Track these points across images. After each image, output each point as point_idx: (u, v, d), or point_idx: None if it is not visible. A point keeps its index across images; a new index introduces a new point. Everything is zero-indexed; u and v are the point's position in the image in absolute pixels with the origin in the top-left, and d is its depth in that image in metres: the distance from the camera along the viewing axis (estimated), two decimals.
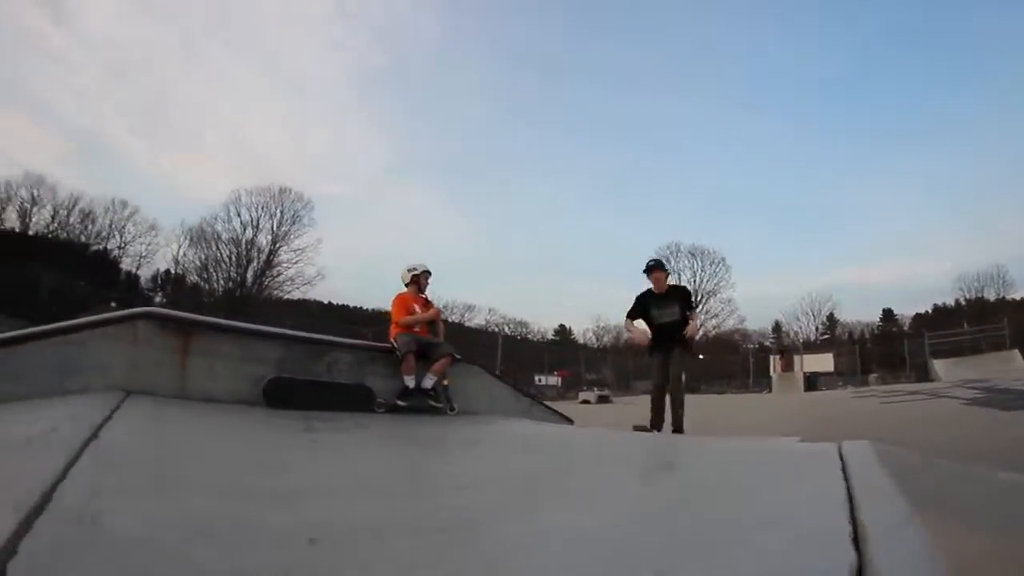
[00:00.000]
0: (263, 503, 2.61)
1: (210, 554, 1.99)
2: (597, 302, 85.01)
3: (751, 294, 69.81)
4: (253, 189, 51.68)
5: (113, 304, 44.74)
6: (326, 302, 53.89)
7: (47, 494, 2.09)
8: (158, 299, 52.94)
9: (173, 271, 54.83)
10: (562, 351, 54.98)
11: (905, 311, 60.19)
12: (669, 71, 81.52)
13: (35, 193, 53.24)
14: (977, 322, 37.60)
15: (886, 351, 46.77)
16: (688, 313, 7.31)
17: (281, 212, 51.44)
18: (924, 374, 30.86)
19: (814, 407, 14.86)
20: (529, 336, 58.54)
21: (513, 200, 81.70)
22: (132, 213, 54.79)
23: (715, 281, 56.76)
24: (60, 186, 54.43)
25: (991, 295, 53.66)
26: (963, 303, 55.99)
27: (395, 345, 6.52)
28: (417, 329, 6.80)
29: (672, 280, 9.03)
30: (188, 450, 3.57)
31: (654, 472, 4.40)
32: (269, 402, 5.38)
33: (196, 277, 52.99)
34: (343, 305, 58.26)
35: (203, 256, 51.87)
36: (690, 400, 7.22)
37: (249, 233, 50.76)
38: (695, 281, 56.46)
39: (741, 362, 47.59)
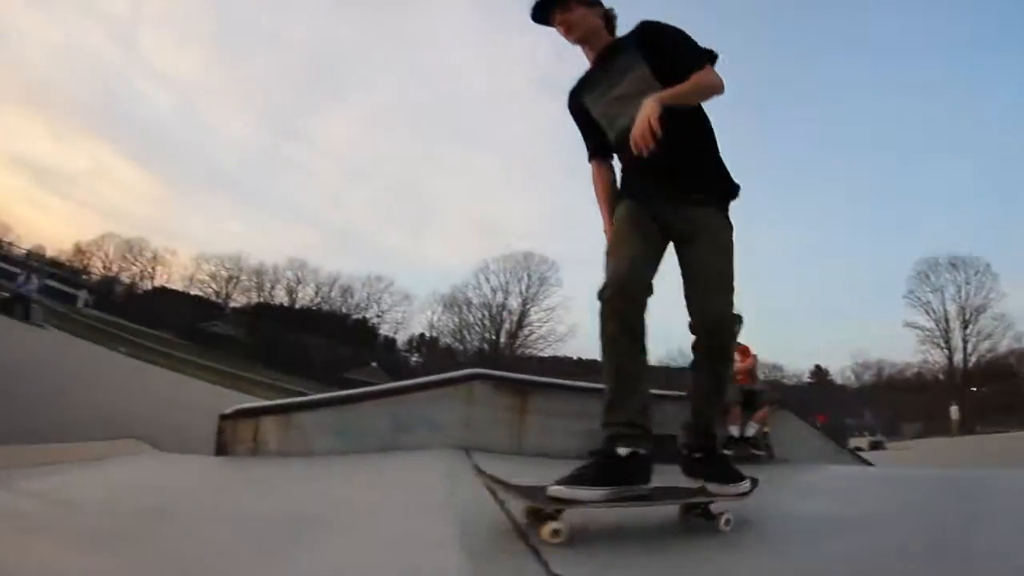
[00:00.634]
0: None
1: None
2: (855, 336, 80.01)
3: None
4: (499, 257, 57.75)
5: (374, 364, 51.47)
6: (576, 358, 54.28)
7: None
8: (414, 359, 60.57)
9: (428, 335, 61.89)
10: (821, 393, 51.56)
11: None
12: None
13: (299, 274, 63.38)
14: None
15: None
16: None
17: (528, 275, 56.56)
18: None
19: None
20: (784, 379, 55.60)
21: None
22: (387, 285, 62.96)
23: (983, 294, 48.57)
24: (321, 268, 64.50)
25: None
26: None
27: None
28: (739, 378, 6.58)
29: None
30: None
31: None
32: None
33: (450, 339, 59.25)
34: (594, 360, 57.38)
35: (456, 320, 58.20)
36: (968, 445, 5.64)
37: (500, 297, 56.42)
38: (961, 297, 49.02)
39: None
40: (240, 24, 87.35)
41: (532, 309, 56.54)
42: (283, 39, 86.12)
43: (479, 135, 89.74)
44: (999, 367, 46.57)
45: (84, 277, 56.52)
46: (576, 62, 2.67)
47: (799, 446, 7.05)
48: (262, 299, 62.78)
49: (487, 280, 57.24)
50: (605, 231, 2.53)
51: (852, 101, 79.13)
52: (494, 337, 56.11)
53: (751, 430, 6.43)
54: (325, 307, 62.88)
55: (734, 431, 6.30)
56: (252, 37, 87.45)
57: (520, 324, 56.42)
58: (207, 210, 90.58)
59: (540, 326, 56.19)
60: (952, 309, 49.61)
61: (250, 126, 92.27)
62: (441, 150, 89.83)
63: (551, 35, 2.55)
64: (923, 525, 2.72)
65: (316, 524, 2.18)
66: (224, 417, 4.69)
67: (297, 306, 62.32)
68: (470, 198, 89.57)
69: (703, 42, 2.45)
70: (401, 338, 63.97)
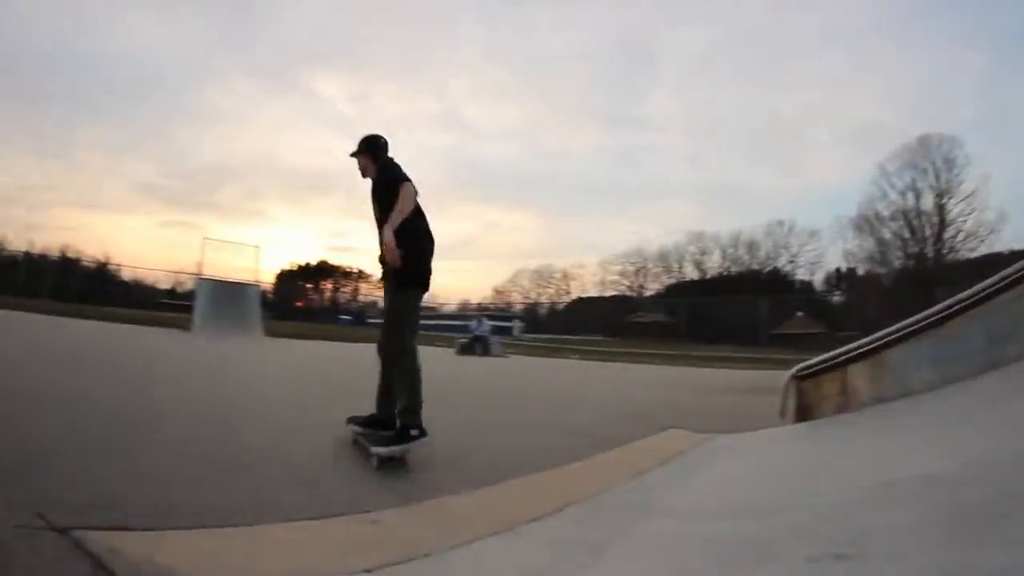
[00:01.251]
0: None
1: None
2: None
3: None
4: (892, 155, 48.19)
5: (799, 314, 47.41)
6: (1007, 251, 41.89)
7: None
8: (835, 297, 53.88)
9: (844, 267, 55.20)
10: None
11: None
12: None
13: (700, 245, 61.92)
14: None
15: None
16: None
17: (932, 164, 46.01)
18: None
19: None
20: None
21: None
22: (790, 228, 57.74)
23: None
24: (720, 233, 63.05)
25: None
26: None
27: None
28: None
29: None
30: None
31: None
32: None
33: (868, 264, 51.82)
34: None
35: (872, 241, 50.42)
36: None
37: (910, 200, 47.02)
38: None
39: None
40: (542, 55, 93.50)
41: (950, 202, 44.95)
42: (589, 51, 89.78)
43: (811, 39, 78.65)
44: None
45: (513, 310, 64.23)
46: None
47: None
48: (673, 279, 63.79)
49: (891, 186, 47.51)
50: None
51: None
52: (918, 249, 46.12)
53: None
54: (735, 269, 61.45)
55: None
56: (556, 61, 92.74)
57: (942, 224, 45.35)
58: (591, 223, 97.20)
59: (964, 220, 44.34)
60: None
61: (591, 136, 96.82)
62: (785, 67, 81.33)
63: None
64: None
65: None
66: (801, 377, 4.37)
67: (708, 276, 61.35)
68: (834, 106, 78.72)
69: None
70: (818, 278, 57.39)
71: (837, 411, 4.14)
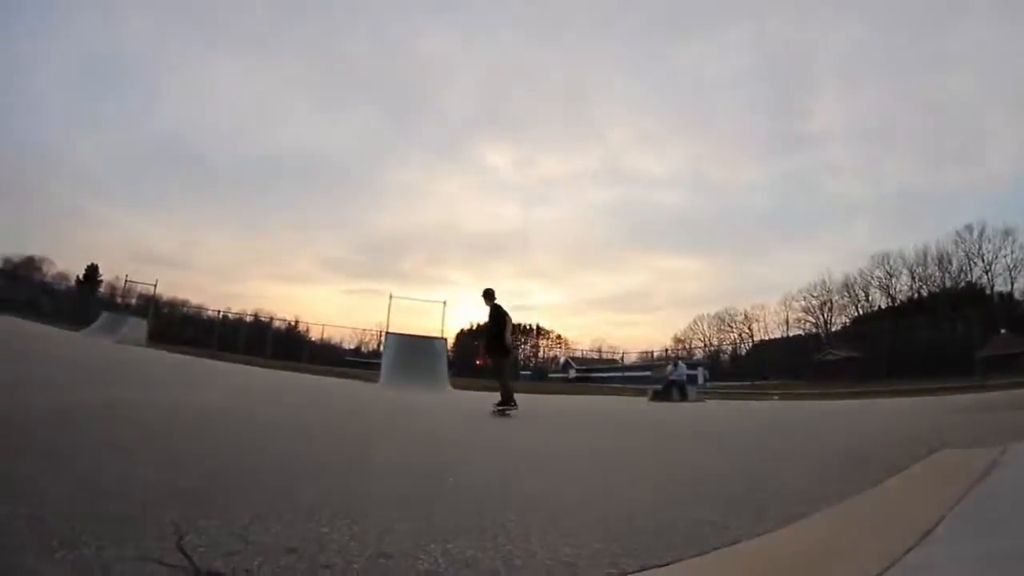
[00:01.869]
0: None
1: None
2: None
3: None
4: None
5: (1002, 331, 41.04)
6: None
7: None
8: None
9: None
10: None
11: None
12: None
13: (886, 267, 57.58)
14: None
15: None
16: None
17: None
18: None
19: None
20: None
21: None
22: (980, 231, 52.66)
23: None
24: (904, 251, 57.57)
25: None
26: None
27: None
28: None
29: None
30: None
31: None
32: None
33: None
34: None
35: None
36: None
37: None
38: None
39: None
40: (696, 90, 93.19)
41: None
42: (742, 76, 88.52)
43: None
44: None
45: (695, 358, 62.91)
46: None
47: None
48: (860, 310, 59.63)
49: None
50: None
51: None
52: None
53: None
54: (925, 290, 56.32)
55: None
56: (711, 93, 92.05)
57: None
58: (768, 260, 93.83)
59: None
60: None
61: (757, 166, 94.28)
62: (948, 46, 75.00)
63: None
64: None
65: None
66: None
67: (897, 301, 56.80)
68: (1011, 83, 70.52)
69: None
70: (1020, 286, 50.87)
71: None
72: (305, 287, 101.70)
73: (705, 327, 72.02)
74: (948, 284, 53.28)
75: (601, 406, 15.85)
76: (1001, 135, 71.23)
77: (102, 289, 67.23)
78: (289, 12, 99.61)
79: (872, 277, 58.57)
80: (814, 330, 62.04)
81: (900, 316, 49.46)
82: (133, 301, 50.29)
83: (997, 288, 51.79)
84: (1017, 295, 50.51)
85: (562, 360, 79.12)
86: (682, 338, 73.49)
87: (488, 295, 10.96)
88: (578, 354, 78.86)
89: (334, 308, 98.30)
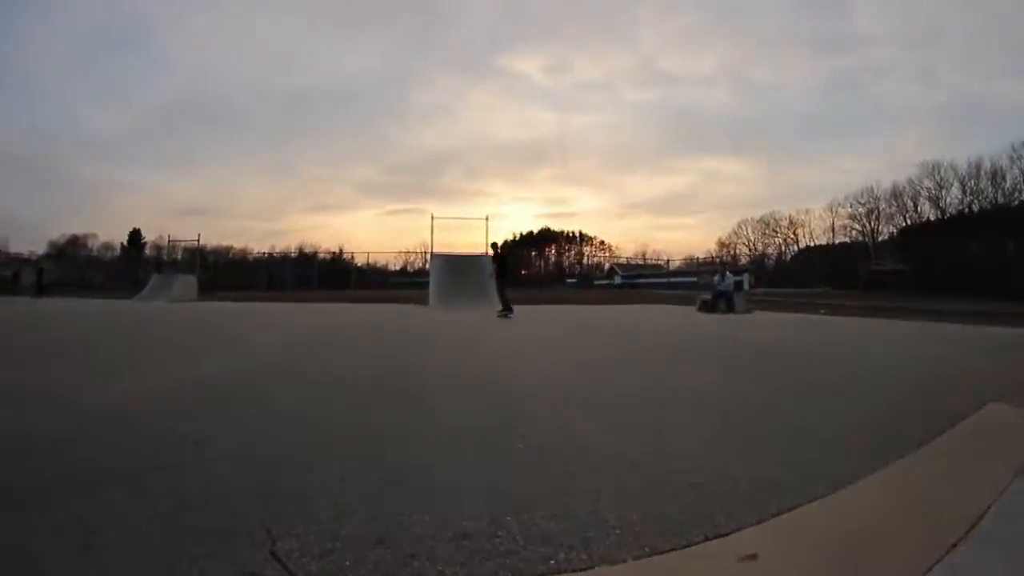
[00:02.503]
0: None
1: None
2: None
3: None
4: None
5: None
6: None
7: None
8: None
9: None
10: None
11: None
12: None
13: (937, 178, 54.70)
14: None
15: None
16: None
17: None
18: None
19: None
20: None
21: None
22: None
23: None
24: (957, 162, 53.59)
25: None
26: None
27: None
28: None
29: None
30: None
31: None
32: None
33: None
34: None
35: None
36: None
37: None
38: None
39: None
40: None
41: None
42: None
43: None
44: None
45: (740, 263, 62.25)
46: None
47: None
48: (908, 221, 57.35)
49: None
50: None
51: None
52: None
53: None
54: (976, 205, 53.53)
55: None
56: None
57: None
58: (814, 164, 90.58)
59: None
60: None
61: (801, 67, 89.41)
62: None
63: None
64: None
65: None
66: None
67: (947, 214, 54.21)
68: None
69: None
70: None
71: None
72: (346, 215, 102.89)
73: (749, 232, 70.76)
74: (1001, 201, 50.34)
75: (651, 319, 16.07)
76: None
77: (147, 251, 69.55)
78: None
79: (921, 187, 55.61)
80: (860, 238, 60.31)
81: (949, 229, 47.45)
82: (179, 256, 51.91)
83: None
84: None
85: (607, 267, 79.33)
86: (726, 243, 72.53)
87: (494, 247, 21.00)
88: (622, 260, 78.87)
89: (376, 232, 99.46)
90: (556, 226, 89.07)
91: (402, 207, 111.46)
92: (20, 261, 46.78)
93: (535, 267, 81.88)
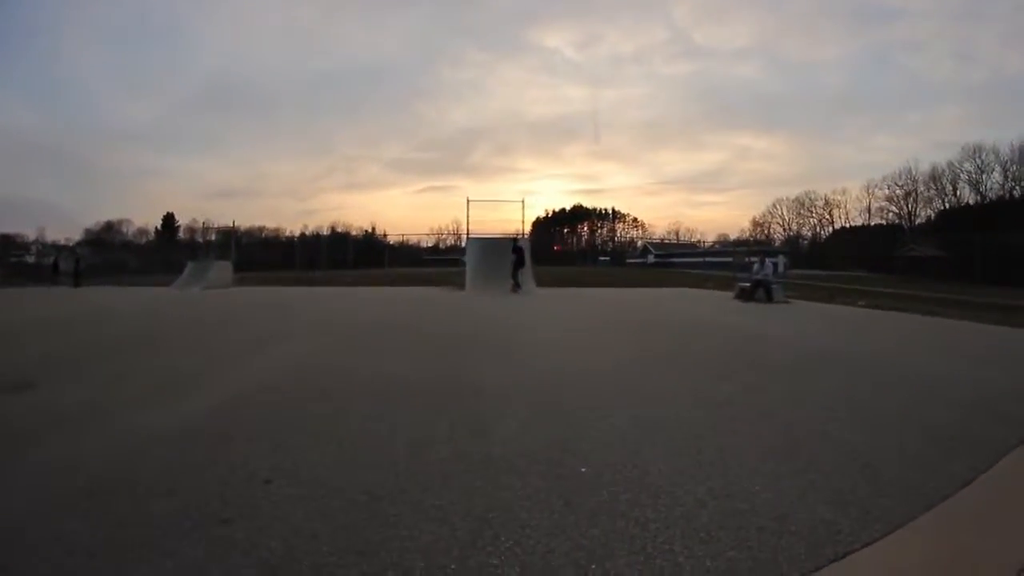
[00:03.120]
0: None
1: None
2: None
3: None
4: None
5: None
6: None
7: None
8: None
9: None
10: None
11: None
12: None
13: (978, 161, 53.18)
14: None
15: None
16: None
17: None
18: None
19: None
20: None
21: None
22: None
23: None
24: (999, 144, 52.52)
25: None
26: None
27: None
28: None
29: None
30: None
31: None
32: None
33: None
34: None
35: None
36: None
37: None
38: None
39: None
40: None
41: None
42: None
43: None
44: None
45: (774, 244, 60.99)
46: None
47: None
48: (947, 205, 55.59)
49: None
50: None
51: None
52: None
53: None
54: (1018, 191, 51.54)
55: None
56: None
57: None
58: (850, 142, 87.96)
59: None
60: None
61: (836, 42, 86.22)
62: None
63: None
64: None
65: None
66: None
67: (987, 199, 52.37)
68: None
69: None
70: None
71: None
72: (377, 192, 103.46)
73: (784, 211, 69.30)
74: None
75: (690, 309, 15.62)
76: None
77: (181, 234, 70.54)
78: None
79: (961, 170, 53.87)
80: (897, 221, 58.76)
81: (989, 215, 45.76)
82: (213, 237, 52.49)
83: None
84: None
85: (640, 244, 78.46)
86: (760, 221, 71.23)
87: (515, 240, 24.92)
88: (655, 238, 77.93)
89: (408, 209, 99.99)
90: (588, 203, 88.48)
91: (433, 184, 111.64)
92: (57, 249, 47.91)
93: (568, 245, 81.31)
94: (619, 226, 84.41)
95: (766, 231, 68.31)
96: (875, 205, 61.14)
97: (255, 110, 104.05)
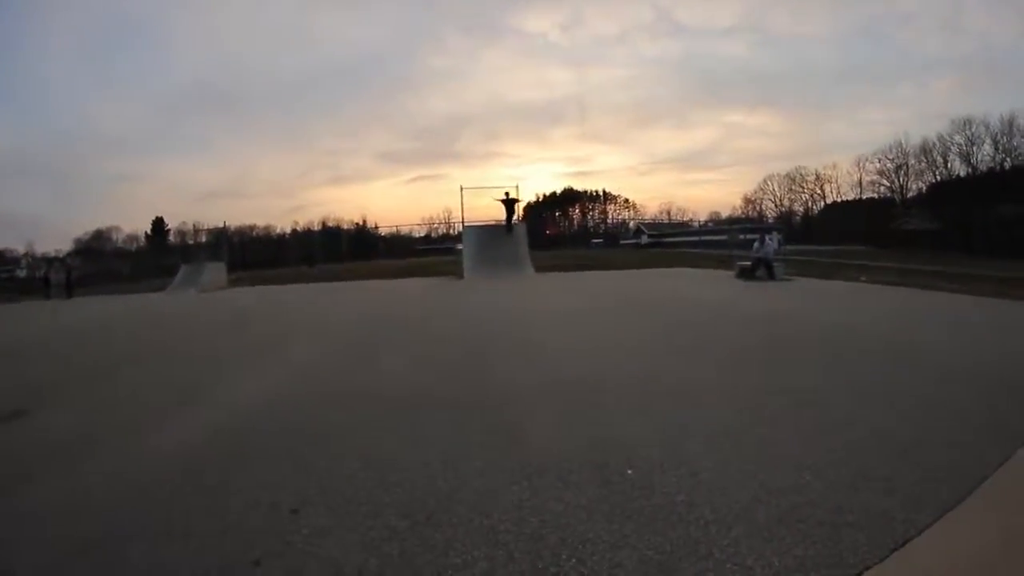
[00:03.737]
0: None
1: None
2: None
3: None
4: None
5: None
6: None
7: None
8: None
9: None
10: None
11: None
12: None
13: (968, 133, 52.34)
14: None
15: None
16: None
17: None
18: None
19: None
20: None
21: None
22: None
23: None
24: (989, 115, 52.19)
25: None
26: None
27: None
28: None
29: None
30: None
31: None
32: None
33: None
34: None
35: None
36: None
37: None
38: None
39: None
40: None
41: None
42: None
43: None
44: None
45: (768, 221, 60.79)
46: None
47: None
48: (938, 177, 55.47)
49: None
50: None
51: None
52: None
53: None
54: (1008, 162, 51.34)
55: None
56: None
57: None
58: (841, 117, 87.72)
59: None
60: None
61: (823, 15, 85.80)
62: None
63: None
64: None
65: None
66: None
67: (978, 171, 52.20)
68: None
69: None
70: None
71: None
72: (366, 184, 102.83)
73: (775, 187, 69.09)
74: None
75: (697, 293, 15.16)
76: None
77: (171, 238, 69.75)
78: None
79: (952, 143, 53.55)
80: (889, 194, 58.71)
81: (981, 186, 45.74)
82: (204, 239, 51.87)
83: None
84: None
85: (632, 226, 78.16)
86: (752, 198, 71.06)
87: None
88: (647, 219, 77.68)
89: (398, 200, 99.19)
90: (579, 185, 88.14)
91: (422, 174, 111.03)
92: (48, 261, 47.17)
93: (560, 229, 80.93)
94: (611, 208, 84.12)
95: (758, 208, 68.32)
96: (866, 179, 61.08)
97: (238, 108, 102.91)
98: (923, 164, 55.80)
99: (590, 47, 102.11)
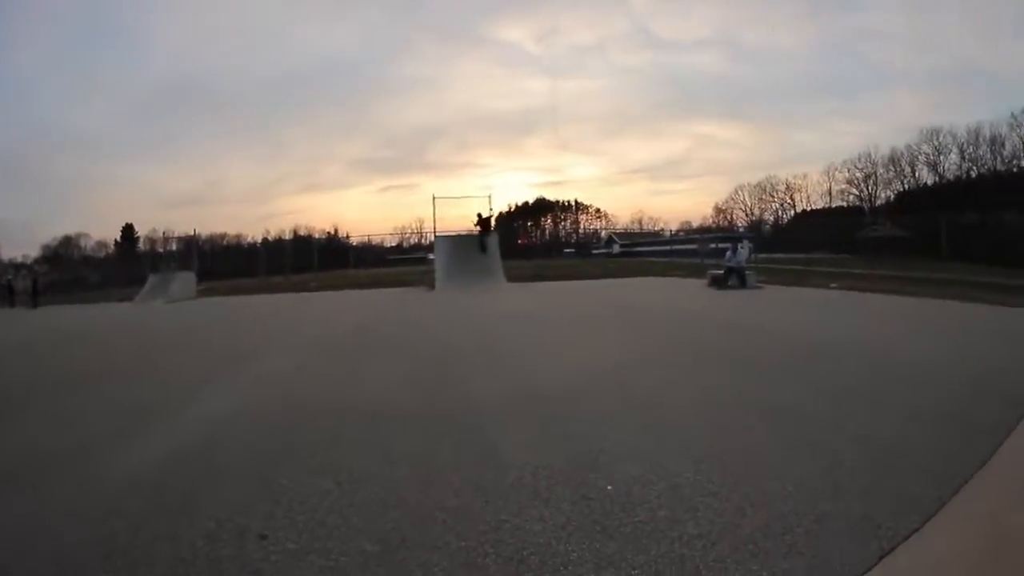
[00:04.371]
0: None
1: None
2: None
3: None
4: None
5: None
6: None
7: None
8: None
9: None
10: None
11: None
12: None
13: (935, 143, 53.50)
14: None
15: None
16: None
17: None
18: None
19: None
20: None
21: None
22: None
23: None
24: (957, 127, 53.21)
25: None
26: None
27: None
28: None
29: None
30: None
31: None
32: None
33: None
34: None
35: None
36: None
37: None
38: None
39: None
40: None
41: None
42: None
43: None
44: None
45: (739, 230, 61.57)
46: None
47: None
48: (906, 186, 56.70)
49: None
50: None
51: None
52: None
53: None
54: (974, 171, 52.80)
55: None
56: None
57: None
58: (811, 127, 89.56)
59: None
60: None
61: (794, 29, 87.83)
62: None
63: None
64: None
65: None
66: None
67: (945, 180, 53.41)
68: None
69: None
70: None
71: None
72: (338, 193, 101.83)
73: (746, 197, 70.14)
74: (1000, 168, 49.74)
75: (664, 300, 15.35)
76: None
77: (141, 245, 68.32)
78: None
79: (920, 152, 55.16)
80: (858, 202, 60.03)
81: (947, 195, 46.91)
82: (174, 247, 50.78)
83: None
84: None
85: (604, 235, 78.58)
86: (723, 208, 72.02)
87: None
88: (619, 228, 78.20)
89: (370, 209, 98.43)
90: (551, 195, 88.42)
91: (394, 183, 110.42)
92: (14, 268, 45.63)
93: (532, 238, 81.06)
94: (582, 217, 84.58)
95: (729, 217, 69.21)
96: (836, 188, 62.44)
97: (209, 114, 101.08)
98: (891, 173, 57.29)
99: (565, 57, 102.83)
